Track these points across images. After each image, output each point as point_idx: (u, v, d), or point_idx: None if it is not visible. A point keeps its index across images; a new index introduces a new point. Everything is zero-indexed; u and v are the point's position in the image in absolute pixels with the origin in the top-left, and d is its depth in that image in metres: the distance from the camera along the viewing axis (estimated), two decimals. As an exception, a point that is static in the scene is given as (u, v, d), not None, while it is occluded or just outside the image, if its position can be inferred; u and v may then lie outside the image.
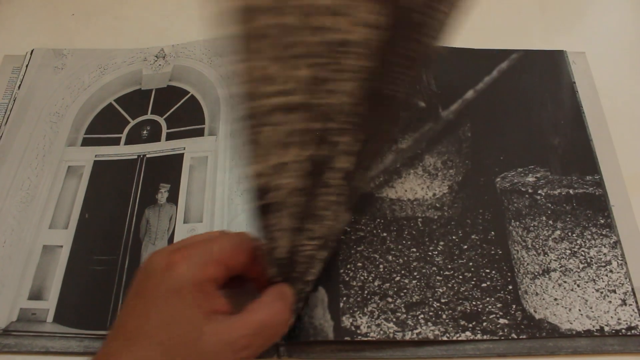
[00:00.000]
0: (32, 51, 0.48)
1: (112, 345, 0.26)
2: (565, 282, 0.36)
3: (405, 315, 0.34)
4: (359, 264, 0.35)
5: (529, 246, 0.37)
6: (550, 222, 0.38)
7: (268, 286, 0.29)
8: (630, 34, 0.50)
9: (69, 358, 0.34)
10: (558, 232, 0.37)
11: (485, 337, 0.33)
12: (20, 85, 0.46)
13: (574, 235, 0.37)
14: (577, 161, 0.41)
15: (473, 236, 0.37)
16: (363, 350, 0.34)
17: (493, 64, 0.46)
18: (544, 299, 0.35)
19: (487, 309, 0.34)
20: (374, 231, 0.37)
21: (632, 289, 0.35)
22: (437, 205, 0.39)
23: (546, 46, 0.47)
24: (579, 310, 0.34)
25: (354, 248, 0.36)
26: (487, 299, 0.35)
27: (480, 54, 0.46)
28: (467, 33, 0.48)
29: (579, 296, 0.35)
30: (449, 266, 0.36)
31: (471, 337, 0.33)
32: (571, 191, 0.38)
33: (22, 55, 0.48)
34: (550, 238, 0.37)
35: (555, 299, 0.35)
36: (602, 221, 0.38)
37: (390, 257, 0.36)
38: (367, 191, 0.39)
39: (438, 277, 0.35)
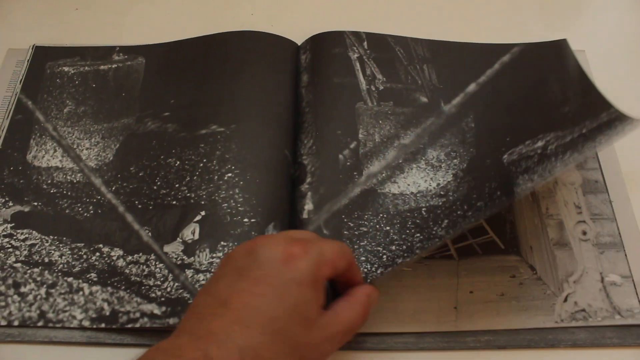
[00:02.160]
0: (33, 46, 0.48)
1: (217, 323, 0.25)
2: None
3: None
4: (362, 258, 0.36)
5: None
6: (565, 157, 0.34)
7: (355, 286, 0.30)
8: (629, 32, 0.50)
9: (72, 348, 0.34)
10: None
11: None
12: (22, 79, 0.46)
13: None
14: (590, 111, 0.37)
15: (479, 203, 0.36)
16: (364, 342, 0.34)
17: (495, 58, 0.46)
18: None
19: None
20: (377, 226, 0.37)
21: (633, 282, 0.36)
22: (442, 193, 0.39)
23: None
24: None
25: (357, 243, 0.36)
26: None
27: (482, 48, 0.47)
28: (468, 30, 0.49)
29: None
30: (451, 232, 0.36)
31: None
32: (584, 130, 0.35)
33: (26, 49, 0.48)
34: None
35: None
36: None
37: (393, 247, 0.36)
38: (369, 188, 0.39)
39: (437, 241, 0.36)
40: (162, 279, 0.36)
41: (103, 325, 0.34)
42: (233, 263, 0.28)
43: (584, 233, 0.38)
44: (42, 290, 0.35)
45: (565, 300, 0.35)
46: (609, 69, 0.47)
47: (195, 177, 0.40)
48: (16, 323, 0.34)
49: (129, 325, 0.34)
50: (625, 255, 0.37)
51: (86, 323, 0.34)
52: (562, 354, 0.34)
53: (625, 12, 0.52)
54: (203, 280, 0.35)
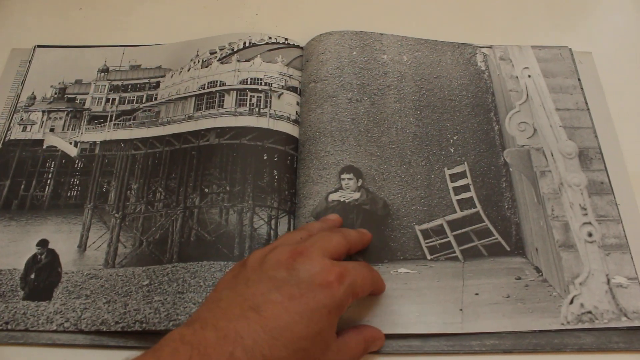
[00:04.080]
0: (34, 47, 0.48)
1: (245, 326, 0.26)
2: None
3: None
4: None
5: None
6: None
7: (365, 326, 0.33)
8: (636, 34, 0.50)
9: (75, 350, 0.34)
10: None
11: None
12: (24, 80, 0.46)
13: None
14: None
15: None
16: (370, 345, 0.34)
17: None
18: None
19: None
20: None
21: None
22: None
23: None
24: None
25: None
26: None
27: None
28: (474, 31, 0.49)
29: None
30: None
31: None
32: None
33: (30, 49, 0.48)
34: None
35: None
36: None
37: None
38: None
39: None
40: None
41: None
42: (269, 272, 0.29)
43: (590, 235, 0.38)
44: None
45: (571, 302, 0.35)
46: (615, 71, 0.46)
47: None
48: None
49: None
50: (632, 257, 0.37)
51: None
52: (568, 358, 0.33)
53: (631, 14, 0.51)
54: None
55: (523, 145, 0.42)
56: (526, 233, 0.38)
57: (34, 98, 0.47)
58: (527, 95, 0.44)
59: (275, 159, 0.42)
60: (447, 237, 0.38)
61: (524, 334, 0.34)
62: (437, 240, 0.38)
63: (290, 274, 0.28)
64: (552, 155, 0.41)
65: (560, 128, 0.42)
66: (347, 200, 0.39)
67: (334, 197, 0.40)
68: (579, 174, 0.40)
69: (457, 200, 0.40)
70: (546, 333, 0.34)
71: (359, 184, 0.40)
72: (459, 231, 0.38)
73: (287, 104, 0.45)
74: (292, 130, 0.43)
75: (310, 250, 0.30)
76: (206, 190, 0.41)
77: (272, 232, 0.39)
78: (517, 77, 0.45)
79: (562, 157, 0.41)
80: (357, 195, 0.40)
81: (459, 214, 0.39)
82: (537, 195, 0.40)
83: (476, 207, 0.39)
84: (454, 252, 0.37)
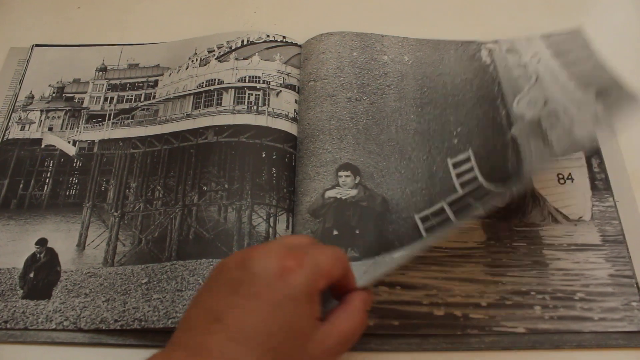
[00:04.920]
0: (32, 46, 0.48)
1: (212, 339, 0.25)
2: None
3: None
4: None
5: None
6: None
7: (349, 293, 0.30)
8: (634, 32, 0.49)
9: (74, 349, 0.34)
10: None
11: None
12: (22, 79, 0.46)
13: None
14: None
15: None
16: (368, 343, 0.34)
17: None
18: None
19: None
20: None
21: (637, 283, 0.35)
22: None
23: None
24: None
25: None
26: None
27: None
28: (473, 28, 0.48)
29: None
30: None
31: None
32: None
33: (28, 48, 0.48)
34: None
35: None
36: None
37: None
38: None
39: None
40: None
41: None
42: (226, 275, 0.27)
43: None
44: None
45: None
46: (614, 69, 0.46)
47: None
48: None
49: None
50: (629, 255, 0.37)
51: None
52: (568, 355, 0.33)
53: (632, 12, 0.51)
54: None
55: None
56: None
57: (32, 97, 0.47)
58: (537, 77, 0.42)
59: (274, 157, 0.42)
60: (447, 215, 0.37)
61: (523, 333, 0.34)
62: (435, 219, 0.37)
63: (244, 272, 0.27)
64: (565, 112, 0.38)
65: (574, 89, 0.39)
66: (343, 197, 0.39)
67: (330, 193, 0.39)
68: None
69: (460, 183, 0.39)
70: (545, 330, 0.34)
71: (356, 181, 0.40)
72: (460, 205, 0.37)
73: (285, 101, 0.45)
74: (290, 128, 0.43)
75: (264, 246, 0.28)
76: (205, 188, 0.41)
77: (270, 229, 0.39)
78: (524, 66, 0.44)
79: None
80: (354, 192, 0.40)
81: (460, 192, 0.38)
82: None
83: (479, 182, 0.38)
84: (449, 218, 0.37)
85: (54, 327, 0.34)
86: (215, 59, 0.47)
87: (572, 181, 0.40)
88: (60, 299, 0.36)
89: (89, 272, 0.37)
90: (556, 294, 0.35)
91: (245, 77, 0.46)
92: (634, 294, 0.35)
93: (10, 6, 0.52)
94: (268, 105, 0.44)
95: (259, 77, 0.46)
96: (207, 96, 0.45)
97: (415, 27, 0.48)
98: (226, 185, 0.41)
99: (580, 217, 0.39)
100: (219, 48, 0.48)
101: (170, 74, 0.47)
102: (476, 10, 0.51)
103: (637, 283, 0.35)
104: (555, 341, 0.34)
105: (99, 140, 0.44)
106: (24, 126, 0.45)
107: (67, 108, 0.46)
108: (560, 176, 0.41)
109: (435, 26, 0.49)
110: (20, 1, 0.52)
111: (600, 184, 0.40)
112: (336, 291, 0.30)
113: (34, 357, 0.34)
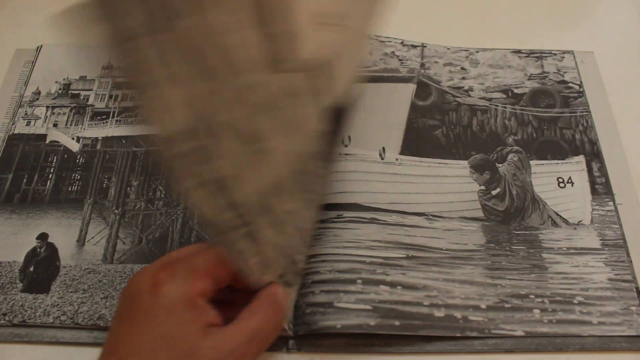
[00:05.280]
0: (39, 47, 0.48)
1: None
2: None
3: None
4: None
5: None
6: None
7: (258, 290, 0.29)
8: (638, 33, 0.50)
9: (78, 348, 0.34)
10: None
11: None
12: (27, 81, 0.46)
13: None
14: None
15: None
16: (372, 345, 0.34)
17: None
18: None
19: None
20: None
21: (636, 287, 0.35)
22: None
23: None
24: None
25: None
26: None
27: None
28: (477, 34, 0.49)
29: None
30: None
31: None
32: None
33: (34, 49, 0.49)
34: None
35: None
36: None
37: None
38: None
39: None
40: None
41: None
42: (118, 308, 0.27)
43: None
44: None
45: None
46: (617, 71, 0.46)
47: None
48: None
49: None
50: (630, 259, 0.37)
51: None
52: (570, 358, 0.33)
53: (634, 14, 0.51)
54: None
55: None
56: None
57: (39, 93, 0.47)
58: None
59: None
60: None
61: (525, 336, 0.33)
62: None
63: (125, 298, 0.26)
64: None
65: None
66: None
67: None
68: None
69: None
70: (544, 333, 0.34)
71: None
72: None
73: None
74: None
75: (144, 268, 0.27)
76: (207, 188, 0.41)
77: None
78: None
79: None
80: None
81: None
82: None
83: None
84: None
85: (51, 321, 0.34)
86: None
87: (572, 185, 0.41)
88: (59, 294, 0.36)
89: (88, 268, 0.37)
90: (555, 297, 0.35)
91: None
92: (633, 298, 0.35)
93: (16, 8, 0.52)
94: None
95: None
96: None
97: (413, 31, 0.48)
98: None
99: (580, 221, 0.39)
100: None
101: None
102: (475, 14, 0.51)
103: (636, 287, 0.35)
104: (558, 344, 0.33)
105: (102, 138, 0.44)
106: (30, 121, 0.45)
107: (73, 105, 0.47)
108: (560, 180, 0.41)
109: (441, 31, 0.49)
110: (25, 3, 0.52)
111: (600, 188, 0.40)
112: (249, 292, 0.29)
113: (39, 356, 0.34)
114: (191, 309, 0.25)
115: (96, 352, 0.33)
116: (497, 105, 0.45)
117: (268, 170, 0.26)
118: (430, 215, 0.39)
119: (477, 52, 0.48)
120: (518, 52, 0.48)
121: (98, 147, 0.44)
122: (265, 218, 0.28)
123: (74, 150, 0.44)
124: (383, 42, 0.47)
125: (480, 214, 0.39)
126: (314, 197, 0.32)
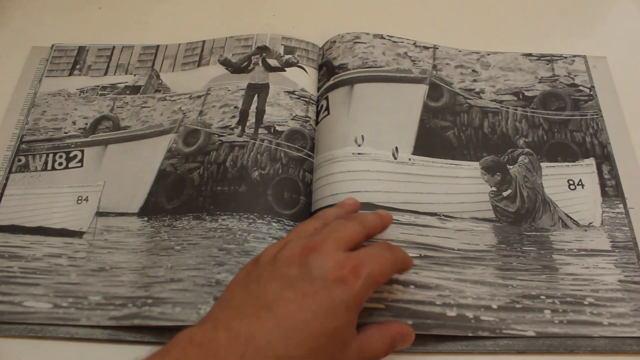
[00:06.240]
0: (52, 46, 0.49)
1: (258, 326, 0.25)
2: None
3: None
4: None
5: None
6: None
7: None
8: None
9: (92, 345, 0.34)
10: None
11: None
12: (41, 78, 0.47)
13: None
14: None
15: None
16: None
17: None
18: None
19: None
20: None
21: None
22: None
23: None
24: None
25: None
26: None
27: None
28: (490, 38, 0.49)
29: None
30: None
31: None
32: None
33: (49, 47, 0.49)
34: None
35: None
36: None
37: None
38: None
39: None
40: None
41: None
42: (282, 269, 0.28)
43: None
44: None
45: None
46: (630, 75, 0.46)
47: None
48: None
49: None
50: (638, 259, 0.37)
51: None
52: (582, 360, 0.34)
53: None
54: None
55: None
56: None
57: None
58: None
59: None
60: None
61: (536, 337, 0.34)
62: None
63: (302, 271, 0.27)
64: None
65: None
66: None
67: None
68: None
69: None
70: (555, 334, 0.34)
71: None
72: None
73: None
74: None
75: (323, 244, 0.29)
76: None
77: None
78: None
79: None
80: None
81: None
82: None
83: None
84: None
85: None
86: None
87: (582, 187, 0.41)
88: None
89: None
90: (566, 298, 0.35)
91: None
92: (643, 299, 0.35)
93: (32, 5, 0.52)
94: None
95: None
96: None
97: (424, 32, 0.48)
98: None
99: (591, 223, 0.39)
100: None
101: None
102: (488, 18, 0.51)
103: (647, 290, 0.36)
104: (570, 346, 0.34)
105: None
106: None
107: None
108: (571, 182, 0.41)
109: (453, 33, 0.49)
110: (41, 0, 0.53)
111: (610, 191, 0.41)
112: None
113: (53, 351, 0.34)
114: (358, 311, 0.28)
115: (110, 348, 0.34)
116: (508, 108, 0.45)
117: None
118: (442, 215, 0.39)
119: (488, 54, 0.48)
120: (529, 55, 0.48)
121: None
122: None
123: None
124: (396, 42, 0.48)
125: (491, 215, 0.40)
126: None
